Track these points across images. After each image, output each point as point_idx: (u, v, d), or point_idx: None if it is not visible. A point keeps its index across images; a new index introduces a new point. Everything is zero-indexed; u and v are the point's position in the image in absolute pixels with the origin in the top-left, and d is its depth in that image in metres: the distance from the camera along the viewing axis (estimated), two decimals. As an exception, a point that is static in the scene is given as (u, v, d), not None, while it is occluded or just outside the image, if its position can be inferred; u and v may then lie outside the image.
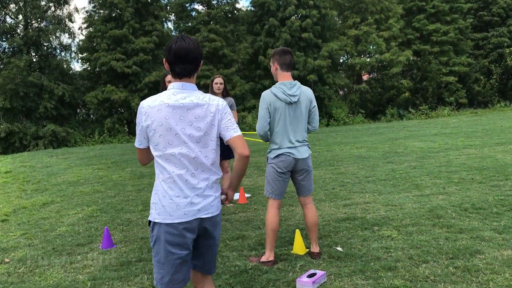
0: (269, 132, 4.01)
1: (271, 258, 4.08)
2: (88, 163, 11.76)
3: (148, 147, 2.52)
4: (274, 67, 4.07)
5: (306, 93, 4.06)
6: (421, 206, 5.64)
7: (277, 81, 4.08)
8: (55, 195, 7.70)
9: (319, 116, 21.89)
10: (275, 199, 4.10)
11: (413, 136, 13.67)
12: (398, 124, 20.06)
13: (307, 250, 4.31)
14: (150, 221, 2.46)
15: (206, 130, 2.45)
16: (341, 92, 28.98)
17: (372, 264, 3.89)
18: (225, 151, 6.27)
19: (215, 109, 2.47)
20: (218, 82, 6.20)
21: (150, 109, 2.41)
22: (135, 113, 20.24)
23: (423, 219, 5.07)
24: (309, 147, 4.14)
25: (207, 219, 2.47)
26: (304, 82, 22.24)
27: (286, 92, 3.91)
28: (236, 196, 6.71)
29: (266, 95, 3.96)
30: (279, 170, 4.00)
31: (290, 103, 3.94)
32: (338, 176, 7.95)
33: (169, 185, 2.41)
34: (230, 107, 6.26)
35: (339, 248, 4.33)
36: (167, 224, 2.38)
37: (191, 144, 2.42)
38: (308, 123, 4.14)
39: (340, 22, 29.09)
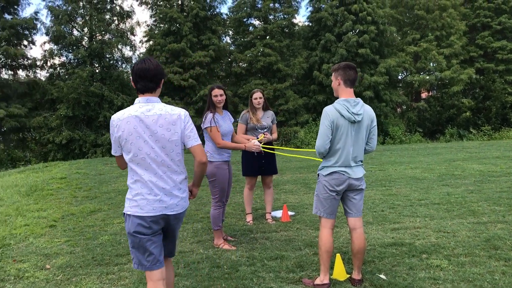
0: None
1: (326, 281, 3.89)
2: (140, 172, 11.99)
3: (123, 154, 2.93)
4: (336, 82, 3.88)
5: (368, 112, 3.86)
6: (476, 234, 5.24)
7: (337, 97, 3.89)
8: (103, 203, 7.84)
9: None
10: (327, 219, 3.90)
11: (473, 158, 12.94)
12: (458, 144, 19.11)
13: (348, 276, 4.08)
14: (124, 213, 2.89)
15: (170, 136, 2.86)
16: (398, 110, 28.17)
17: (418, 296, 3.60)
18: (270, 166, 6.15)
19: (177, 117, 2.90)
20: (257, 97, 6.03)
21: (120, 121, 2.83)
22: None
23: (478, 250, 4.69)
24: (363, 167, 3.93)
25: (171, 216, 2.91)
26: (360, 98, 21.74)
27: (350, 110, 3.72)
28: (279, 213, 6.54)
29: (329, 111, 3.75)
30: (330, 188, 3.80)
31: (353, 122, 3.75)
32: (388, 198, 7.60)
33: (141, 185, 2.84)
34: (272, 121, 6.13)
35: (382, 276, 4.07)
36: (137, 216, 2.81)
37: (157, 150, 2.84)
38: (366, 143, 3.93)
39: (399, 38, 28.37)
